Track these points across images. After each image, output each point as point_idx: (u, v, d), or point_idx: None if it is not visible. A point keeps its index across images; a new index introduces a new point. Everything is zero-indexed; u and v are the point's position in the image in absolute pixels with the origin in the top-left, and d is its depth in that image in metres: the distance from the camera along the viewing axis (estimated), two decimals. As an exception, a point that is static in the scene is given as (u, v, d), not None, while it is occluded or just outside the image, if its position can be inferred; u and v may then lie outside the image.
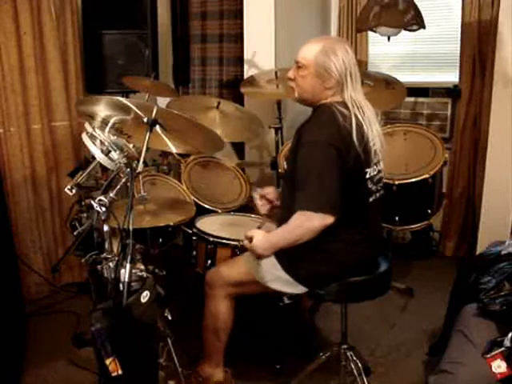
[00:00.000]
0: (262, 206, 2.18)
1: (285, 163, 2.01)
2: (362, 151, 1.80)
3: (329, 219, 1.74)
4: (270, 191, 2.18)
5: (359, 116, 1.83)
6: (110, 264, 1.65)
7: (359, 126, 1.81)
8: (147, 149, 1.68)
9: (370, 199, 1.90)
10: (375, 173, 1.90)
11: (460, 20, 3.40)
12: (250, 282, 2.01)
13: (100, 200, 1.62)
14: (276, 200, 2.16)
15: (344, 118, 1.79)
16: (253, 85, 3.23)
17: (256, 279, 1.99)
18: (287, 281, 1.94)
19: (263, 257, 1.93)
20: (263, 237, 1.91)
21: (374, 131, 1.86)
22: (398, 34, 3.02)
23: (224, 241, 2.27)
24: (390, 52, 3.82)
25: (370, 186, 1.88)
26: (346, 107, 1.83)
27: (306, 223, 1.75)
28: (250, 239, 1.94)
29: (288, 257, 1.93)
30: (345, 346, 2.15)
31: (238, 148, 3.81)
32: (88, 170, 1.82)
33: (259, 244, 1.89)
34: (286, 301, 2.19)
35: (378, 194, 1.94)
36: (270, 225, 2.30)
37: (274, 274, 1.95)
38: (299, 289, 1.95)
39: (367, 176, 1.86)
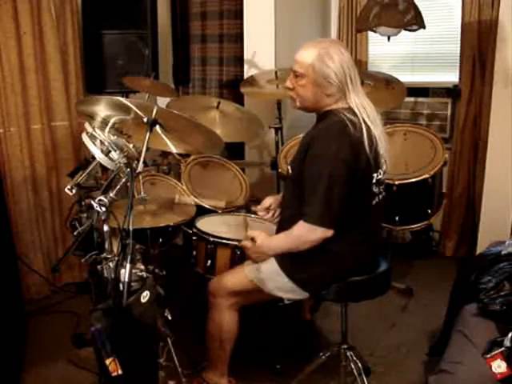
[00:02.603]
0: (272, 217, 2.20)
1: (289, 167, 2.00)
2: (372, 157, 1.80)
3: (329, 233, 1.77)
4: (270, 202, 2.20)
5: (368, 121, 1.81)
6: (110, 264, 1.65)
7: (369, 132, 1.80)
8: (147, 149, 1.68)
9: (373, 202, 1.90)
10: (381, 176, 1.89)
11: (460, 20, 3.39)
12: (253, 290, 1.99)
13: (100, 200, 1.62)
14: (278, 207, 2.18)
15: (354, 126, 1.77)
16: (253, 85, 3.23)
17: (259, 288, 1.97)
18: (290, 287, 1.94)
19: (262, 258, 1.95)
20: (265, 238, 1.92)
21: (379, 132, 1.85)
22: (397, 33, 3.02)
23: (224, 241, 2.26)
24: (389, 52, 3.82)
25: (374, 189, 1.88)
26: (354, 113, 1.81)
27: (308, 235, 1.78)
28: (252, 239, 1.95)
29: (290, 263, 1.92)
30: (345, 346, 2.15)
31: (238, 148, 3.80)
32: (88, 170, 1.82)
33: (262, 244, 1.91)
34: (286, 301, 2.19)
35: (380, 196, 1.93)
36: (263, 224, 2.29)
37: (276, 281, 1.94)
38: (302, 294, 1.95)
39: (373, 181, 1.86)
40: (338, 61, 1.78)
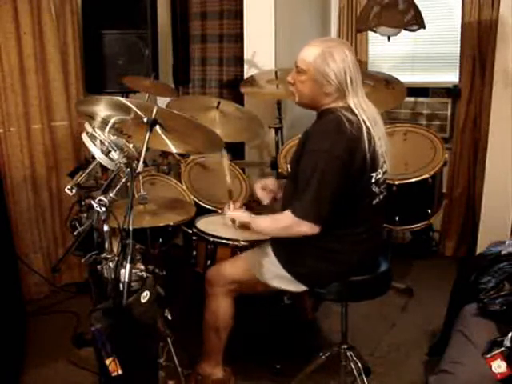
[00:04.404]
0: (264, 197, 2.21)
1: (289, 166, 2.01)
2: (370, 156, 1.80)
3: (315, 229, 1.78)
4: (271, 182, 2.22)
5: (367, 122, 1.81)
6: (110, 264, 1.65)
7: (368, 132, 1.80)
8: (147, 149, 1.68)
9: (374, 202, 1.90)
10: (380, 176, 1.89)
11: (460, 20, 3.39)
12: (250, 279, 2.01)
13: (100, 200, 1.62)
14: (277, 190, 2.19)
15: (351, 124, 1.77)
16: (253, 85, 3.23)
17: (256, 277, 1.99)
18: (287, 279, 1.95)
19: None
20: (248, 216, 1.98)
21: (380, 133, 1.85)
22: (397, 34, 3.02)
23: (224, 241, 2.27)
24: (390, 52, 3.82)
25: (374, 189, 1.88)
26: (352, 112, 1.81)
27: (295, 228, 1.80)
28: (233, 220, 2.01)
29: (288, 255, 1.94)
30: (345, 346, 2.15)
31: (238, 148, 3.80)
32: (88, 170, 1.82)
33: (245, 222, 1.98)
34: (286, 301, 2.20)
35: (381, 196, 1.93)
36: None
37: (273, 271, 1.96)
38: (299, 287, 1.96)
39: (372, 180, 1.86)
40: (339, 61, 1.78)
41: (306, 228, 1.77)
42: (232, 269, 2.07)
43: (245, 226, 2.05)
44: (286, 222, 1.82)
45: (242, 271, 2.04)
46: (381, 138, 1.85)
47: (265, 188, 2.21)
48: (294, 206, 1.80)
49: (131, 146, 1.71)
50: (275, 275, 1.96)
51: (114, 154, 1.66)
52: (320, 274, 1.92)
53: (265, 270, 1.98)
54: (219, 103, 3.03)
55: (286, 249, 1.93)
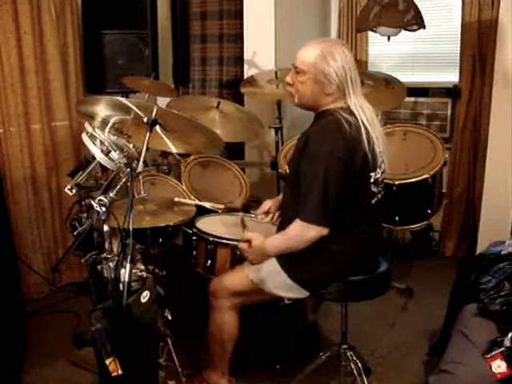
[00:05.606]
0: (271, 220, 2.21)
1: (287, 167, 2.01)
2: (370, 157, 1.80)
3: (324, 231, 1.78)
4: (269, 205, 2.21)
5: (365, 122, 1.81)
6: (110, 264, 1.65)
7: (367, 132, 1.80)
8: (147, 149, 1.68)
9: (373, 201, 1.90)
10: (379, 175, 1.90)
11: (460, 20, 3.40)
12: (253, 290, 1.99)
13: (100, 200, 1.62)
14: (278, 209, 2.19)
15: (349, 125, 1.77)
16: (253, 85, 3.23)
17: (259, 287, 1.97)
18: (290, 286, 1.94)
19: (259, 260, 1.96)
20: (262, 239, 1.93)
21: (377, 133, 1.86)
22: (397, 34, 3.02)
23: (224, 241, 2.26)
24: (389, 52, 3.82)
25: (373, 189, 1.88)
26: (351, 113, 1.81)
27: (304, 233, 1.80)
28: (248, 241, 1.96)
29: (290, 261, 1.92)
30: (345, 346, 2.15)
31: (238, 148, 3.80)
32: (88, 170, 1.82)
33: (259, 246, 1.92)
34: (286, 301, 2.19)
35: (379, 196, 1.94)
36: (261, 224, 2.30)
37: (276, 280, 1.95)
38: (302, 293, 1.95)
39: (371, 180, 1.86)
40: (339, 60, 1.78)
41: (315, 232, 1.78)
42: (234, 280, 2.04)
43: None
44: (295, 230, 1.82)
45: (244, 282, 2.01)
46: (378, 137, 1.85)
47: (267, 212, 2.21)
48: (300, 212, 1.80)
49: (131, 146, 1.71)
50: (278, 284, 1.95)
51: (114, 154, 1.66)
52: (323, 276, 1.91)
53: (267, 279, 1.96)
54: (219, 103, 3.03)
55: (288, 255, 1.91)
